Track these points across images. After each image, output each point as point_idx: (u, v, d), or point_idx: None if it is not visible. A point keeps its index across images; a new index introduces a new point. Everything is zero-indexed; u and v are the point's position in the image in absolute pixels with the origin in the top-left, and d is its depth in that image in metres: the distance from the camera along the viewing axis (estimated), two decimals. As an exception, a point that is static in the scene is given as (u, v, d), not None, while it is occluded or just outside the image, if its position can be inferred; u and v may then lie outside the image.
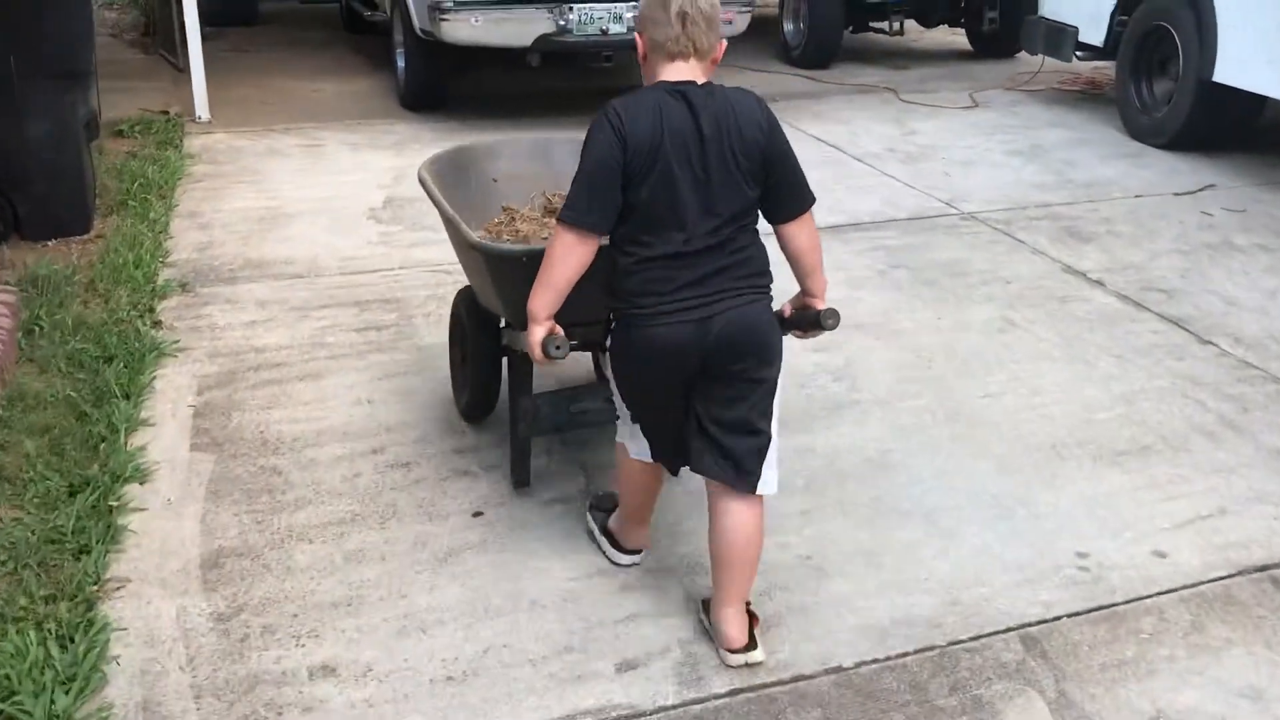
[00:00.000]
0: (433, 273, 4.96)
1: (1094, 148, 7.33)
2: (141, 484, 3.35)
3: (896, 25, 9.98)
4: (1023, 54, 9.98)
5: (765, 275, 2.58)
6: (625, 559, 2.98)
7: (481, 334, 3.42)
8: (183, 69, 9.20)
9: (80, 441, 3.52)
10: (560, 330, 2.55)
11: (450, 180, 3.47)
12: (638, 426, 2.69)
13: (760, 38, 7.72)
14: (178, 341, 4.24)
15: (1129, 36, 7.57)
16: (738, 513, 2.59)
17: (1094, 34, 7.90)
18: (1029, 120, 8.10)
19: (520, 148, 3.83)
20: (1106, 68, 9.20)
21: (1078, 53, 8.24)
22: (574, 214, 2.45)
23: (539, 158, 3.73)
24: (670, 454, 2.69)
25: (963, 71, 9.84)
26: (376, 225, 5.62)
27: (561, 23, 7.15)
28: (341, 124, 7.56)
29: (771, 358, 2.58)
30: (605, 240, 2.54)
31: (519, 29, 7.08)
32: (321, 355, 4.20)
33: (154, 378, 3.98)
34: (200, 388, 3.94)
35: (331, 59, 9.85)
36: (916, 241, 5.53)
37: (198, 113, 7.57)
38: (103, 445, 3.50)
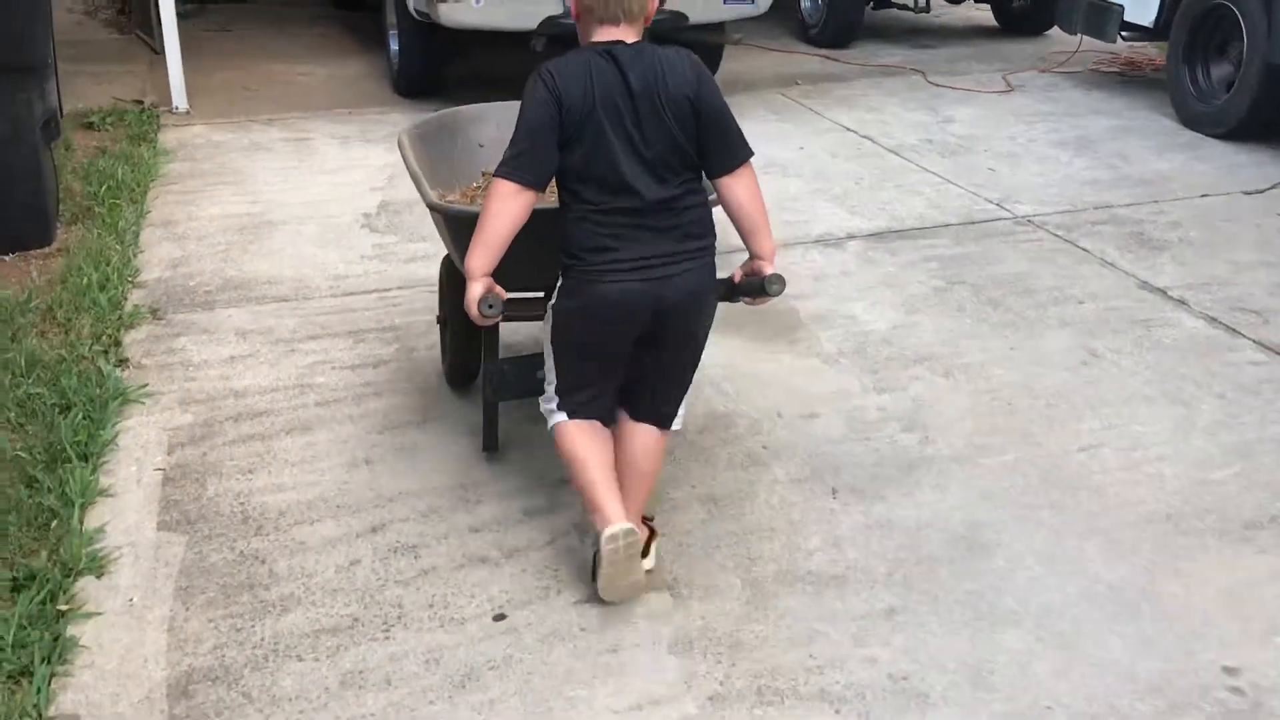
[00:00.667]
0: (435, 293, 4.39)
1: (1146, 138, 6.76)
2: (98, 577, 2.81)
3: (922, 1, 9.38)
4: (1053, 32, 9.41)
5: (709, 236, 2.63)
6: (612, 527, 2.61)
7: (458, 299, 3.23)
8: (159, 52, 8.60)
9: (27, 518, 2.98)
10: (500, 289, 2.54)
11: (434, 145, 3.50)
12: (555, 385, 2.71)
13: (775, 13, 7.15)
14: (145, 386, 3.69)
15: (1183, 16, 6.99)
16: (649, 439, 2.75)
17: (1142, 13, 7.32)
18: (1070, 106, 7.53)
19: (508, 113, 3.54)
20: (1144, 47, 8.64)
21: (1122, 33, 7.67)
22: (508, 167, 2.49)
23: None
24: (588, 409, 2.70)
25: (992, 51, 9.25)
26: (371, 235, 5.06)
27: (569, 3, 6.55)
28: (331, 114, 6.97)
29: (709, 322, 2.72)
30: (543, 200, 2.57)
31: (524, 11, 6.48)
32: (310, 401, 3.65)
33: (117, 431, 3.43)
34: (170, 444, 3.40)
35: (320, 38, 9.22)
36: (972, 251, 4.98)
37: (174, 102, 6.97)
38: (54, 524, 2.97)
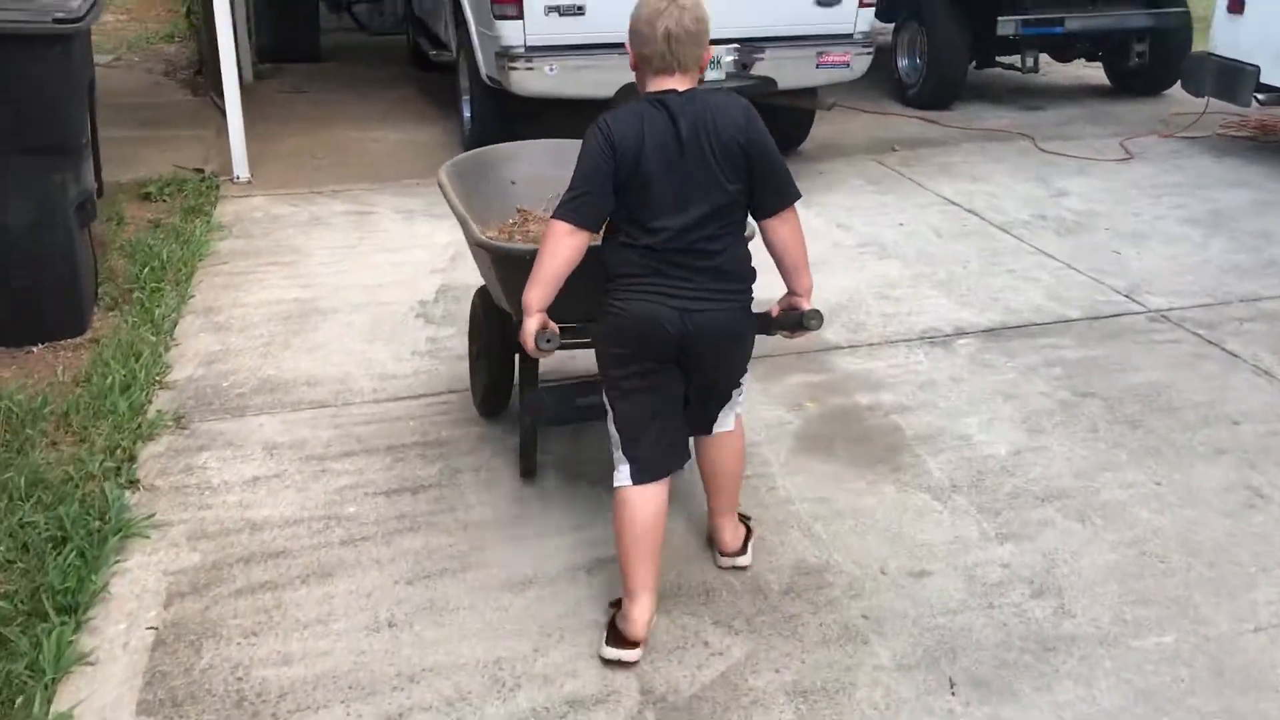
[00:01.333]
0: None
1: (1290, 214, 6.07)
2: (58, 780, 2.34)
3: (1030, 60, 8.76)
4: (1171, 91, 8.73)
5: (746, 281, 2.73)
6: (609, 652, 2.66)
7: (494, 331, 3.56)
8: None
9: (-9, 691, 2.54)
10: (553, 325, 2.64)
11: (470, 182, 3.61)
12: (618, 434, 2.72)
13: (869, 71, 6.62)
14: (153, 516, 3.25)
15: (1332, 79, 6.30)
16: (720, 439, 2.91)
17: (1282, 74, 6.65)
18: (1199, 176, 6.85)
19: (538, 152, 3.88)
20: None
21: (1258, 95, 6.99)
22: (565, 210, 2.61)
23: (556, 162, 3.64)
24: (653, 457, 2.70)
25: (1105, 113, 8.59)
26: (425, 327, 4.61)
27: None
28: (398, 185, 6.59)
29: (745, 355, 2.81)
30: (597, 240, 2.68)
31: (600, 78, 6.03)
32: (335, 539, 3.17)
33: (113, 574, 2.99)
34: (170, 593, 2.94)
35: (396, 101, 8.92)
36: (1101, 354, 4.35)
37: (235, 172, 6.66)
38: (19, 701, 2.51)
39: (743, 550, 3.00)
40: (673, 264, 2.61)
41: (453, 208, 3.39)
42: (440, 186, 3.50)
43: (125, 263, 5.22)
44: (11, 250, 4.30)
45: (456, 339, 4.45)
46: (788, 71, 6.29)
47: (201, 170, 6.77)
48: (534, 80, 6.00)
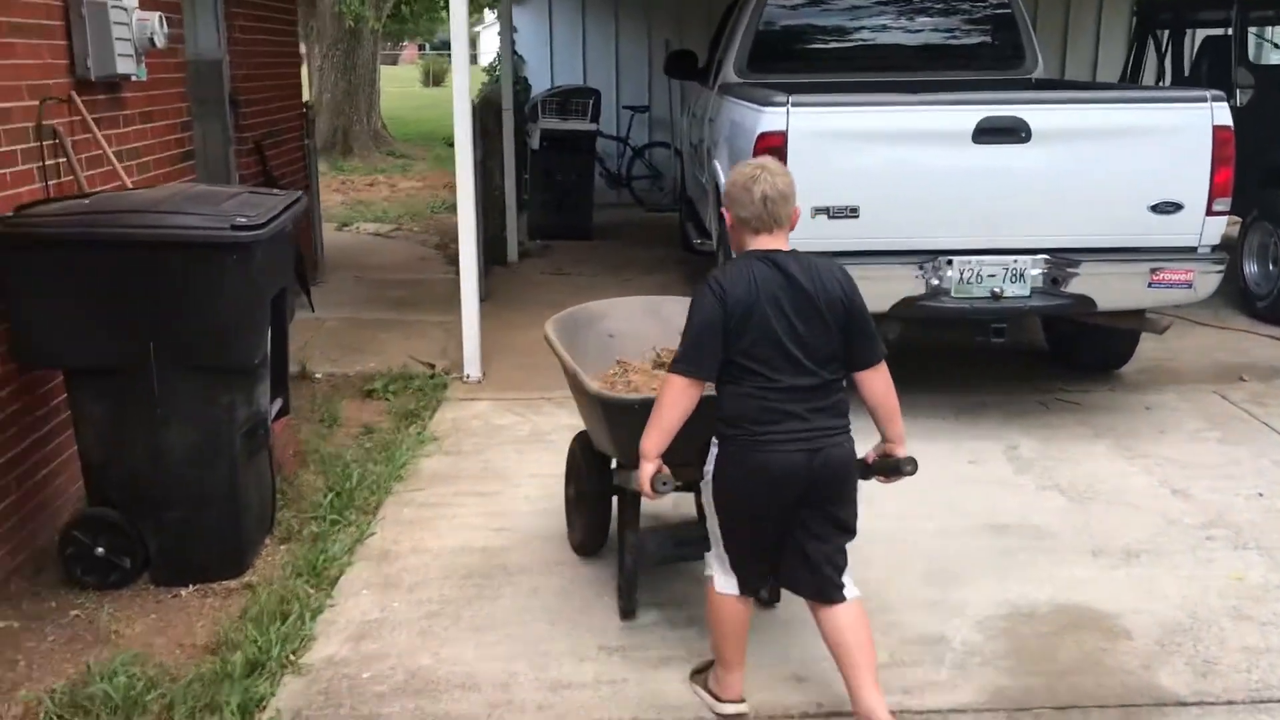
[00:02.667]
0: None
1: None
2: None
3: None
4: None
5: (848, 418, 2.92)
6: (727, 709, 3.06)
7: (595, 474, 3.76)
8: (483, 299, 8.00)
9: None
10: (667, 469, 2.90)
11: (572, 335, 3.81)
12: (727, 558, 2.97)
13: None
14: None
15: None
16: (842, 615, 2.94)
17: None
18: None
19: (634, 308, 4.17)
20: None
21: None
22: (683, 365, 2.84)
23: (650, 316, 4.06)
24: (756, 579, 3.01)
25: None
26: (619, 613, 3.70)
27: (934, 281, 5.10)
28: (635, 394, 5.82)
29: (854, 494, 2.98)
30: (709, 389, 2.87)
31: (875, 291, 5.04)
32: None
33: None
34: None
35: (656, 288, 8.23)
36: None
37: (466, 370, 6.11)
38: None
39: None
40: (800, 403, 2.80)
41: (561, 360, 3.64)
42: (547, 340, 3.76)
43: (316, 480, 4.66)
44: (168, 478, 3.77)
45: (657, 630, 3.51)
46: (1111, 290, 5.12)
47: (433, 366, 6.28)
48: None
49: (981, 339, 5.34)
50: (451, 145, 9.35)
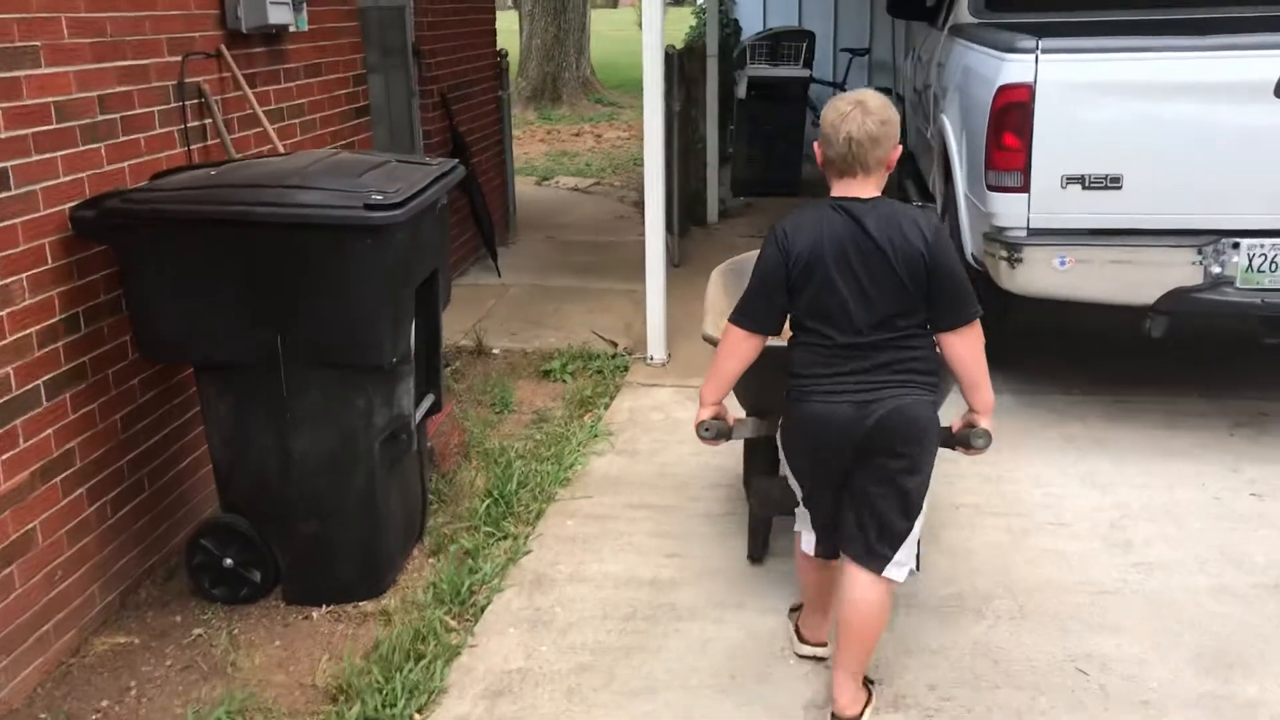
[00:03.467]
0: None
1: None
2: None
3: None
4: None
5: (933, 375, 2.69)
6: (805, 649, 3.09)
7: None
8: (677, 264, 7.38)
9: None
10: (727, 415, 2.94)
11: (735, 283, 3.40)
12: (808, 513, 2.85)
13: None
14: None
15: None
16: (863, 587, 2.71)
17: None
18: None
19: None
20: None
21: None
22: (740, 315, 2.77)
23: None
24: (826, 535, 2.83)
25: None
26: (817, 674, 3.04)
27: (1215, 269, 4.15)
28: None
29: (925, 452, 2.68)
30: (773, 339, 2.78)
31: (1138, 278, 4.19)
32: None
33: None
34: None
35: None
36: None
37: (650, 351, 5.52)
38: None
39: (859, 717, 2.77)
40: (855, 358, 2.63)
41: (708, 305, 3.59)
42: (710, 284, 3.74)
43: (477, 479, 4.18)
44: (300, 487, 3.34)
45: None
46: None
47: (615, 345, 5.72)
48: (1036, 276, 4.27)
49: (1273, 341, 4.35)
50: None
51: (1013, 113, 4.17)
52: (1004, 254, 4.28)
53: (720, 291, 3.66)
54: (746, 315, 2.74)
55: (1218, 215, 4.13)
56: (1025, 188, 4.22)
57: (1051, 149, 4.16)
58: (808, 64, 9.53)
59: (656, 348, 5.50)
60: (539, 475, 4.21)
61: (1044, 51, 4.13)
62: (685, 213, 8.46)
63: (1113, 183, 4.16)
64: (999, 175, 4.27)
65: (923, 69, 6.94)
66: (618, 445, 4.57)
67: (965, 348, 2.66)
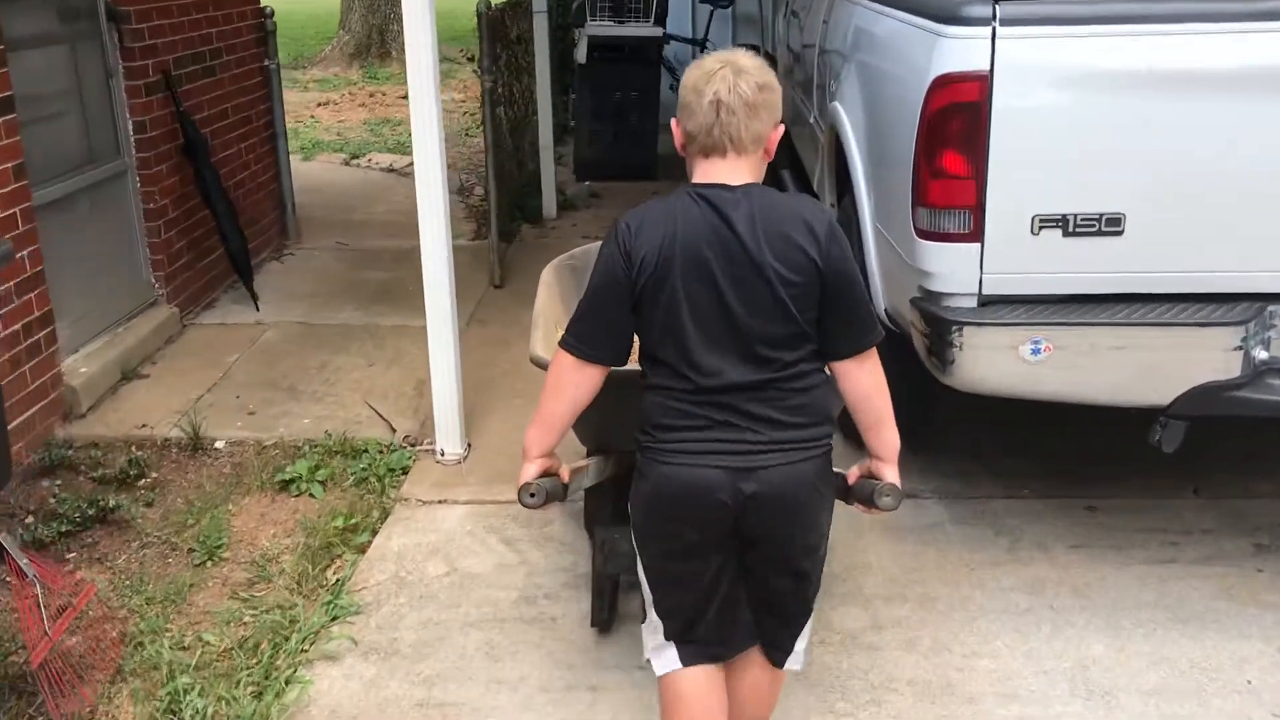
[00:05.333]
0: None
1: None
2: None
3: None
4: None
5: (828, 423, 2.08)
6: None
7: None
8: (499, 285, 5.75)
9: None
10: (561, 470, 2.20)
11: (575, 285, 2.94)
12: (655, 612, 2.15)
13: None
14: None
15: None
16: (753, 673, 2.21)
17: None
18: None
19: None
20: None
21: None
22: (571, 339, 2.09)
23: None
24: (697, 640, 2.13)
25: None
26: None
27: (1262, 353, 2.74)
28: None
29: (823, 525, 2.12)
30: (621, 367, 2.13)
31: (1149, 370, 2.75)
32: None
33: None
34: None
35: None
36: None
37: (440, 444, 3.91)
38: None
39: None
40: (723, 407, 1.99)
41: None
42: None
43: (131, 710, 2.55)
44: None
45: None
46: None
47: (394, 429, 4.09)
48: (991, 368, 2.80)
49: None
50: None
51: (956, 119, 2.68)
52: (940, 335, 2.79)
53: (554, 297, 3.04)
54: (579, 338, 2.09)
55: (1269, 272, 2.71)
56: (976, 234, 2.74)
57: (1017, 175, 2.68)
58: (660, 19, 7.91)
59: (449, 438, 3.89)
60: (233, 714, 2.60)
61: (1005, 22, 2.63)
62: (513, 208, 6.83)
63: (1110, 225, 2.70)
64: (934, 214, 2.77)
65: (799, 28, 5.40)
66: (366, 638, 2.97)
67: (869, 379, 2.08)
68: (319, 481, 3.74)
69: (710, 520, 2.03)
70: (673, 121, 2.07)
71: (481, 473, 3.81)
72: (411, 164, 3.86)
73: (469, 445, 3.95)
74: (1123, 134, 2.66)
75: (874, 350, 2.08)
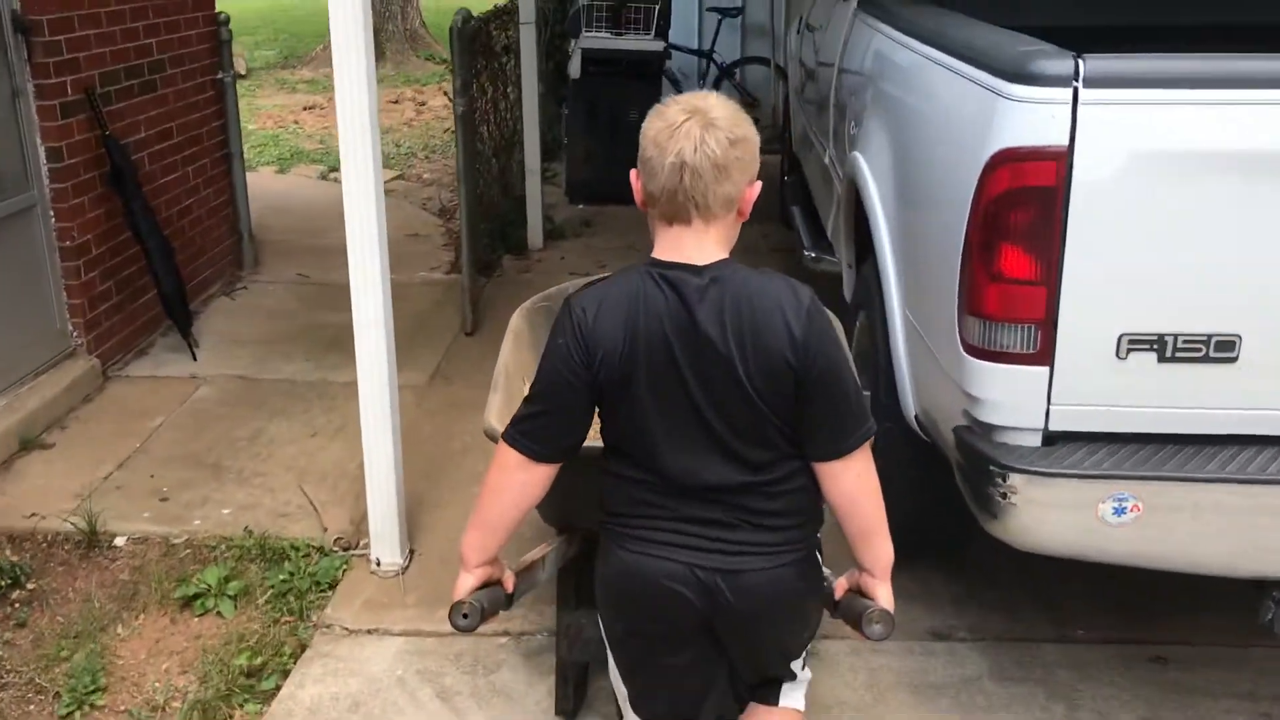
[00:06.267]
0: None
1: None
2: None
3: None
4: None
5: (806, 525, 1.85)
6: None
7: None
8: (469, 333, 5.12)
9: None
10: (505, 578, 1.94)
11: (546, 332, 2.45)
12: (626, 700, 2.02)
13: None
14: None
15: None
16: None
17: None
18: None
19: None
20: None
21: None
22: (514, 431, 1.83)
23: None
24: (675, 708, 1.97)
25: None
26: None
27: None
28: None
29: (805, 631, 1.93)
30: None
31: (1266, 533, 2.11)
32: None
33: None
34: None
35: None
36: None
37: (375, 553, 3.28)
38: None
39: None
40: (695, 503, 1.78)
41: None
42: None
43: None
44: None
45: None
46: None
47: (325, 527, 3.46)
48: (1061, 527, 2.16)
49: None
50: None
51: (1023, 208, 2.04)
52: (988, 478, 2.16)
53: (523, 346, 2.77)
54: (526, 435, 1.79)
55: None
56: (1044, 356, 2.10)
57: (1102, 282, 2.04)
58: (662, 31, 7.26)
59: (386, 546, 3.25)
60: None
61: (1091, 82, 1.99)
62: (495, 237, 6.20)
63: (1222, 349, 2.06)
64: (989, 328, 2.13)
65: (815, 39, 4.76)
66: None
67: (855, 483, 1.77)
68: (229, 597, 3.12)
69: (675, 617, 1.82)
70: (632, 174, 1.77)
71: (423, 589, 3.17)
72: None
73: (411, 552, 3.32)
74: (1243, 232, 2.02)
75: (864, 449, 1.78)
